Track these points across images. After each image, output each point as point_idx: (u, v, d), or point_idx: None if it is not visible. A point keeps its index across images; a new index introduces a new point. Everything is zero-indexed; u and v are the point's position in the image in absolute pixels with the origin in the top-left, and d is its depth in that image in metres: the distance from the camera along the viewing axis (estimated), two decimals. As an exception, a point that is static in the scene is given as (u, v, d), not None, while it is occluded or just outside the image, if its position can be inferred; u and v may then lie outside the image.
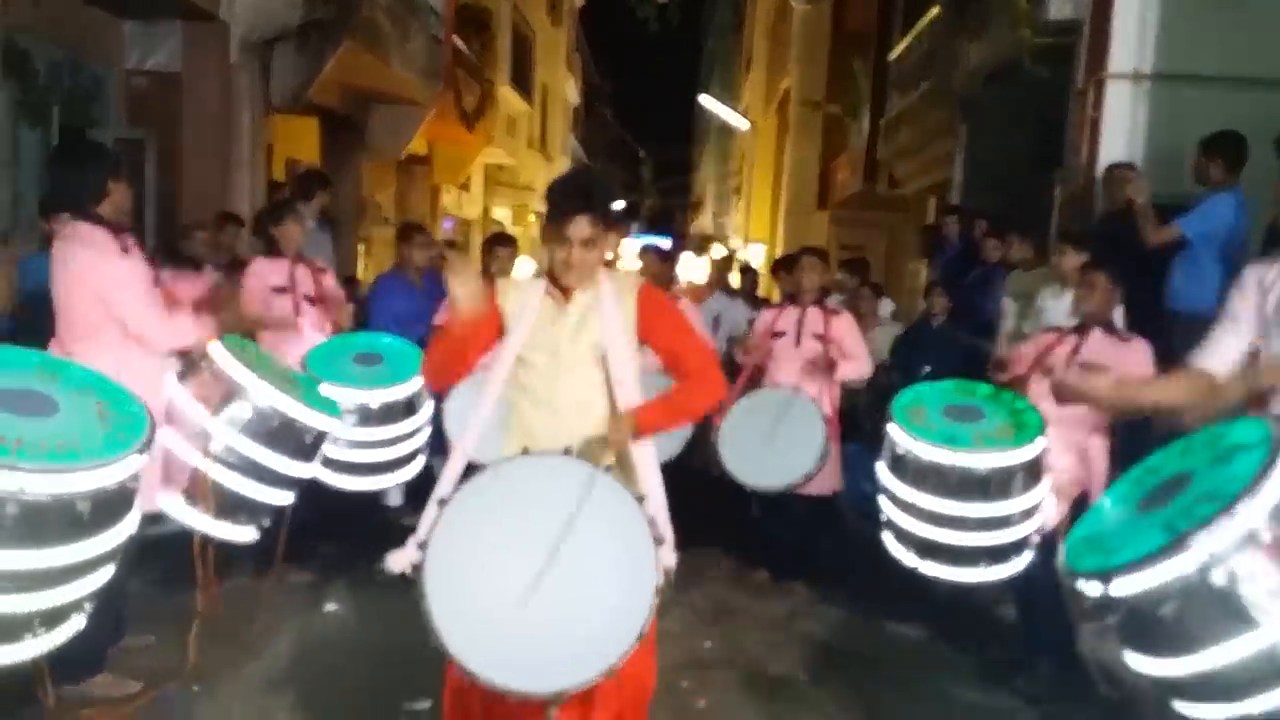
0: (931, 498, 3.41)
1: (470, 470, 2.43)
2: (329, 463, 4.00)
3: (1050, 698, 3.57)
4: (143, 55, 7.52)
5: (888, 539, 3.63)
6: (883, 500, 3.63)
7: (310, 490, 3.70)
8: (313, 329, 4.62)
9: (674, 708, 3.42)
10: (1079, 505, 3.46)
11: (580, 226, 2.41)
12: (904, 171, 12.11)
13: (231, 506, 3.26)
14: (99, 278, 3.15)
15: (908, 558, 3.55)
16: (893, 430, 3.54)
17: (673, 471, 3.65)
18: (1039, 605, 3.48)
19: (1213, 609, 1.99)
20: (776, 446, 4.65)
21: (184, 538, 3.38)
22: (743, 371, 5.03)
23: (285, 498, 3.42)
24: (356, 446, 4.10)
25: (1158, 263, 4.87)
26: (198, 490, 3.20)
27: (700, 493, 4.72)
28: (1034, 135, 7.44)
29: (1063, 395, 3.51)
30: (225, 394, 3.23)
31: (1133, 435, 3.56)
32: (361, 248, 11.61)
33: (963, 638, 4.16)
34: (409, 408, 4.17)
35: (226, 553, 3.70)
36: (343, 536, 4.74)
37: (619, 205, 29.55)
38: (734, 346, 5.78)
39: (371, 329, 4.94)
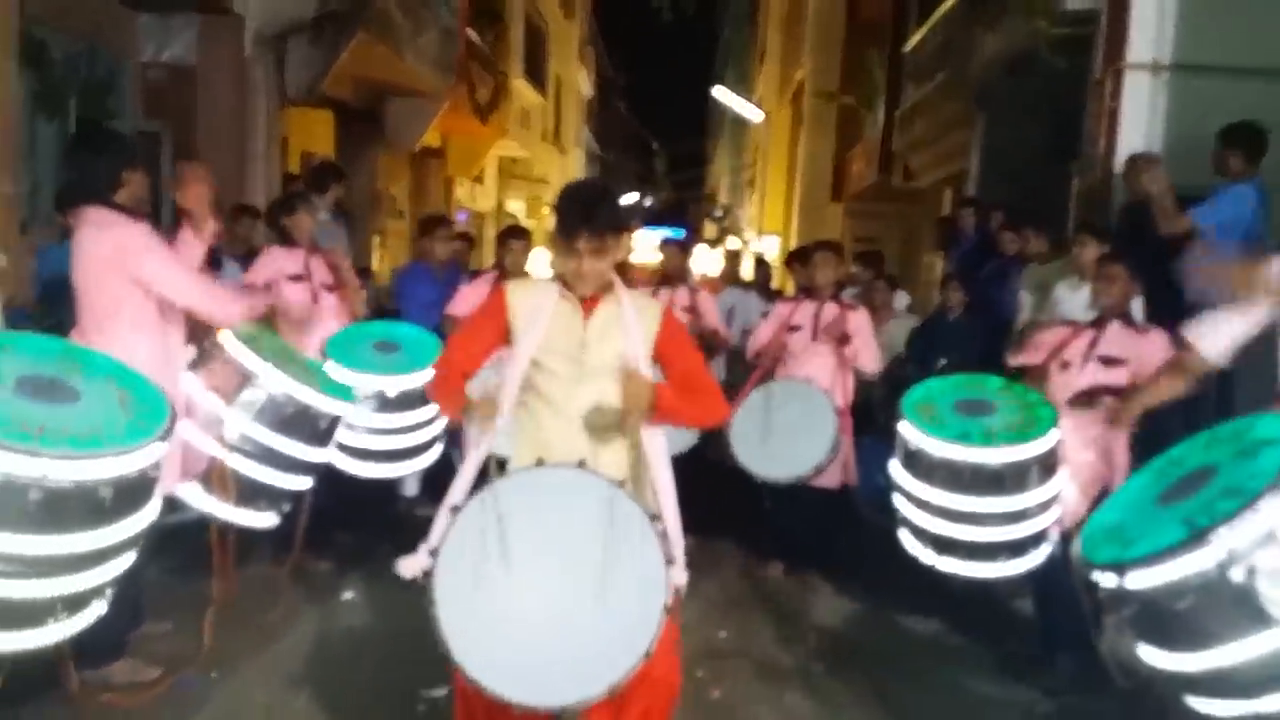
0: (946, 494, 3.39)
1: (485, 470, 2.44)
2: (347, 449, 4.04)
3: (1068, 690, 3.56)
4: (158, 48, 7.55)
5: (904, 536, 3.62)
6: (897, 498, 3.62)
7: (328, 478, 3.73)
8: (331, 317, 4.65)
9: (689, 698, 3.41)
10: (1100, 502, 3.43)
11: (585, 240, 2.42)
12: (919, 163, 12.04)
13: (251, 493, 3.29)
14: (125, 255, 3.16)
15: (925, 554, 3.53)
16: (904, 428, 3.52)
17: (687, 463, 3.67)
18: (1057, 599, 3.46)
19: (1229, 606, 1.99)
20: (787, 438, 4.65)
21: (201, 525, 3.41)
22: (757, 365, 5.03)
23: (302, 483, 3.44)
24: (374, 433, 4.14)
25: (1178, 254, 4.83)
26: (215, 478, 3.22)
27: (714, 484, 4.73)
28: (1051, 126, 7.39)
29: (1086, 402, 3.54)
30: (239, 382, 3.26)
31: (1154, 427, 3.54)
32: (376, 240, 11.64)
33: (979, 631, 4.14)
34: (426, 395, 4.19)
35: (244, 540, 3.73)
36: (360, 525, 4.76)
37: (630, 200, 29.57)
38: (747, 339, 5.78)
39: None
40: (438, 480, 3.12)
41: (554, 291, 2.52)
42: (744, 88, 29.03)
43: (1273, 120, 4.66)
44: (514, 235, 5.58)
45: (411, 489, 5.16)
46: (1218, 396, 3.93)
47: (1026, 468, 3.32)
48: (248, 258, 5.29)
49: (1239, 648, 1.98)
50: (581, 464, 2.37)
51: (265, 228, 6.09)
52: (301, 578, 4.29)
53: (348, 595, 4.31)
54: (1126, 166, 5.40)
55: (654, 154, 43.78)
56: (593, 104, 31.52)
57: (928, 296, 9.64)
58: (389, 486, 4.82)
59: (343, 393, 3.58)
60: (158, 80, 7.57)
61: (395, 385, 4.14)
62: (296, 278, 4.63)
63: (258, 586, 4.08)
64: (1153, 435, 3.38)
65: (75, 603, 2.36)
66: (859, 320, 4.95)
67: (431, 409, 4.22)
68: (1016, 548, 3.39)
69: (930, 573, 3.56)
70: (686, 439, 4.76)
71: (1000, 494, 3.34)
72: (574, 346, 2.49)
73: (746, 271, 9.73)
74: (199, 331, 3.42)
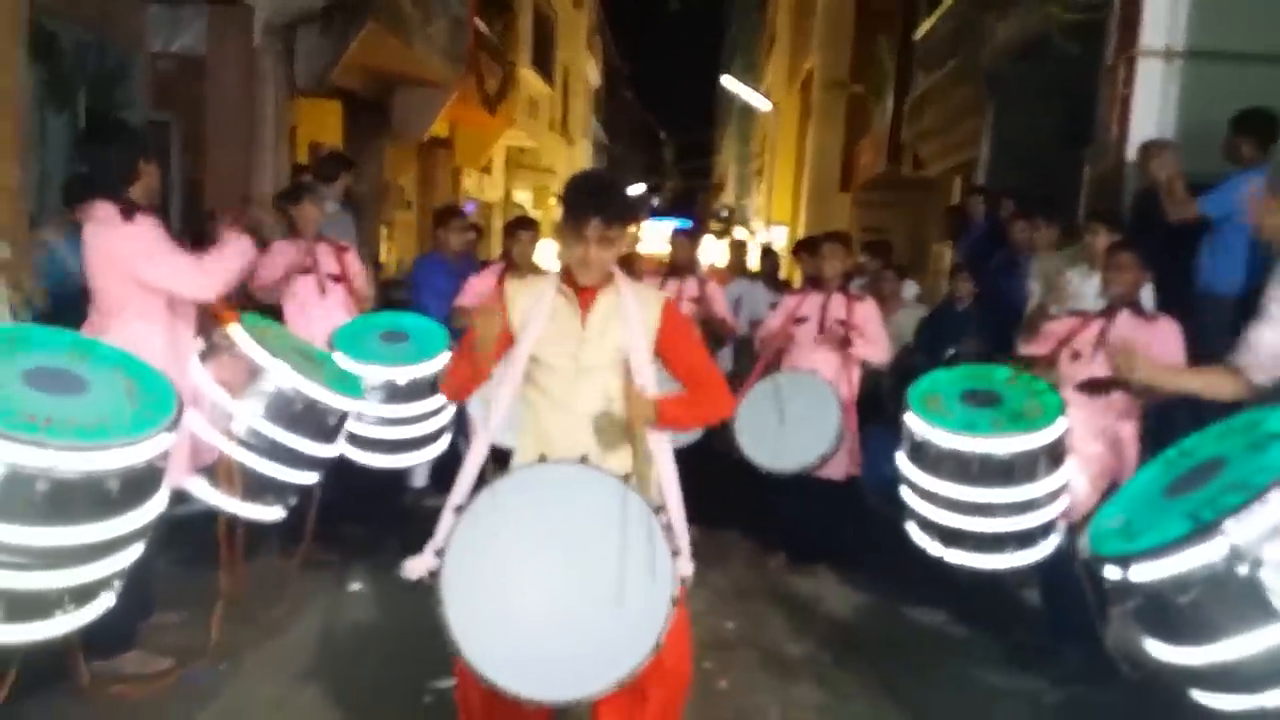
0: (954, 485, 3.38)
1: (492, 458, 2.44)
2: (355, 440, 4.04)
3: (1075, 681, 3.55)
4: (167, 38, 7.55)
5: (911, 529, 3.61)
6: (904, 491, 3.61)
7: (336, 470, 3.73)
8: (338, 308, 4.65)
9: (696, 688, 3.39)
10: (1109, 494, 3.42)
11: (595, 227, 2.40)
12: (929, 152, 11.97)
13: (257, 487, 3.29)
14: (120, 246, 3.17)
15: (933, 547, 3.52)
16: (910, 419, 3.51)
17: (693, 455, 3.66)
18: (1064, 590, 3.45)
19: (1233, 600, 1.97)
20: (792, 429, 4.64)
21: (211, 517, 3.42)
22: (760, 358, 5.03)
23: (310, 478, 3.44)
24: (383, 424, 4.15)
25: (1190, 242, 4.79)
26: (222, 471, 3.23)
27: (721, 476, 4.72)
28: (1063, 113, 7.33)
29: (1092, 388, 3.49)
30: (248, 376, 3.26)
31: (1164, 419, 3.51)
32: (384, 231, 11.64)
33: (986, 621, 4.13)
34: (434, 386, 4.19)
35: (252, 533, 3.74)
36: (368, 517, 4.78)
37: (637, 190, 29.52)
38: (755, 329, 5.76)
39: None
40: (446, 470, 3.12)
41: (552, 286, 2.51)
42: (752, 77, 28.91)
43: (1287, 107, 4.61)
44: (522, 226, 5.58)
45: (420, 479, 5.17)
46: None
47: (1035, 457, 3.31)
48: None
49: (1243, 642, 1.96)
50: (584, 459, 2.36)
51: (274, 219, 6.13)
52: (309, 570, 4.30)
53: (355, 587, 4.33)
54: (1140, 153, 5.35)
55: (662, 144, 43.65)
56: (600, 94, 31.44)
57: (936, 286, 9.59)
58: (397, 477, 4.83)
59: (352, 387, 3.57)
60: (167, 71, 7.58)
61: (403, 375, 4.14)
62: (304, 269, 4.64)
63: (266, 579, 4.09)
64: (1162, 427, 3.36)
65: (83, 594, 2.37)
66: (866, 311, 4.93)
67: (439, 399, 4.23)
68: (1025, 538, 3.37)
69: (937, 563, 3.54)
70: (692, 431, 4.76)
71: (1009, 484, 3.32)
72: (573, 341, 2.48)
73: (752, 262, 9.70)
74: (208, 324, 3.42)
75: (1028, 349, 3.92)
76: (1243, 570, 1.94)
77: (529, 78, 17.42)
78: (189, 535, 3.51)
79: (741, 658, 3.82)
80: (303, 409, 3.32)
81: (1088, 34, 6.39)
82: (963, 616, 4.23)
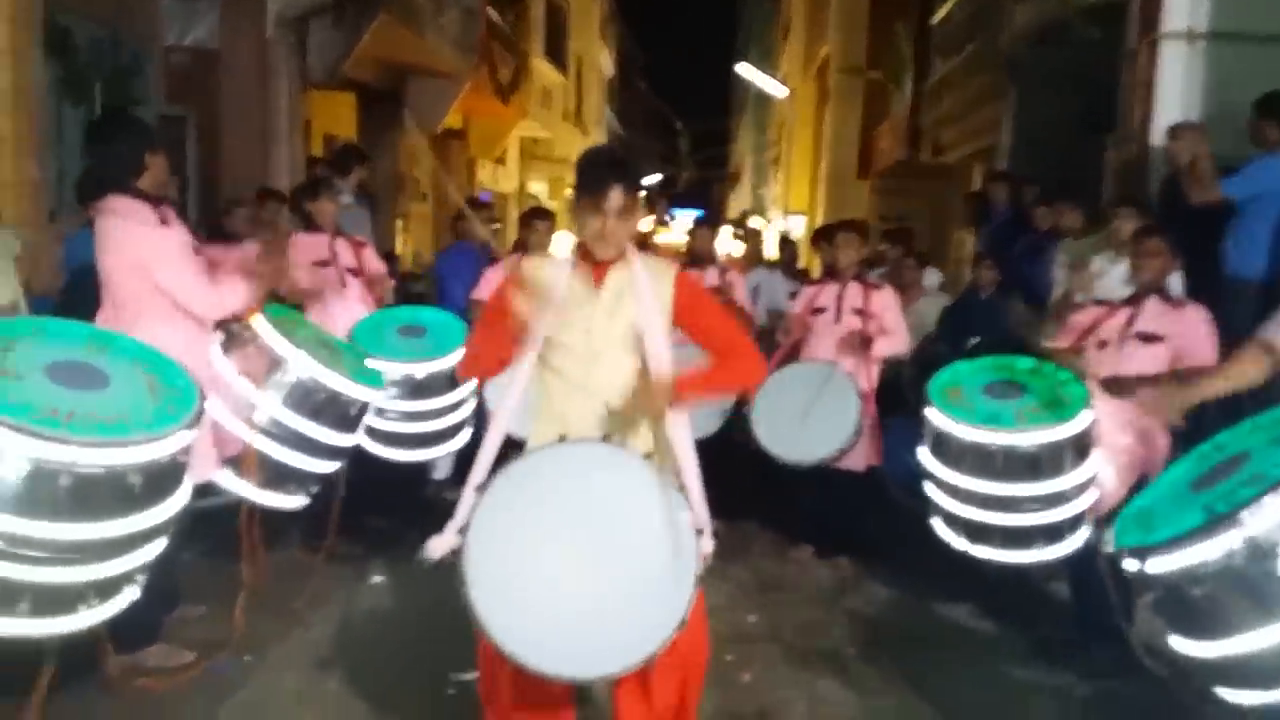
0: (978, 480, 3.33)
1: (508, 448, 2.42)
2: (376, 435, 4.04)
3: (1105, 675, 3.50)
4: (181, 32, 7.58)
5: (936, 524, 3.56)
6: (928, 486, 3.56)
7: (358, 462, 3.73)
8: (357, 301, 4.65)
9: (719, 682, 3.40)
10: (1140, 487, 3.37)
11: (615, 197, 2.37)
12: (948, 138, 11.87)
13: (279, 477, 3.30)
14: (137, 248, 3.17)
15: (958, 542, 3.48)
16: (931, 413, 3.46)
17: (713, 446, 3.63)
18: (1093, 584, 3.39)
19: (1251, 592, 1.96)
20: (810, 421, 4.59)
21: (233, 510, 3.42)
22: (779, 347, 4.99)
23: (331, 466, 3.45)
24: (403, 419, 4.14)
25: (1215, 227, 4.72)
26: (245, 461, 3.23)
27: (742, 468, 4.69)
28: (1084, 98, 7.24)
29: (1118, 389, 3.43)
30: (269, 366, 3.26)
31: (1195, 412, 3.45)
32: (399, 223, 11.65)
33: (1013, 615, 4.09)
34: (454, 380, 4.18)
35: (275, 525, 3.74)
36: (390, 509, 4.78)
37: (654, 179, 29.43)
38: (773, 318, 5.72)
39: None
40: (469, 463, 3.11)
41: (566, 267, 2.49)
42: (767, 64, 28.73)
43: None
44: (538, 216, 5.55)
45: (442, 471, 5.16)
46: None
47: (1061, 450, 3.26)
48: (273, 242, 5.33)
49: (1262, 634, 1.94)
50: (605, 438, 2.35)
51: (289, 212, 6.12)
52: (331, 563, 4.30)
53: (377, 579, 4.33)
54: (1168, 135, 5.27)
55: (677, 133, 43.46)
56: (614, 83, 31.32)
57: (959, 274, 9.51)
58: (419, 470, 4.82)
59: (373, 379, 3.57)
60: (181, 64, 7.60)
61: (422, 369, 4.13)
62: (322, 263, 4.63)
63: (288, 571, 4.10)
64: (1192, 419, 3.30)
65: (106, 589, 2.37)
66: (884, 299, 4.87)
67: (460, 392, 4.21)
68: (1053, 533, 3.33)
69: (962, 556, 3.50)
70: (712, 422, 4.73)
71: (1035, 479, 3.28)
72: (586, 320, 2.46)
73: (770, 251, 9.64)
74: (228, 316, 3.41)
75: (1055, 342, 3.86)
76: (1258, 562, 1.92)
77: (542, 68, 17.38)
78: (211, 528, 3.52)
79: (764, 651, 3.79)
80: (324, 399, 3.32)
81: (1108, 17, 6.31)
82: (989, 610, 4.18)
